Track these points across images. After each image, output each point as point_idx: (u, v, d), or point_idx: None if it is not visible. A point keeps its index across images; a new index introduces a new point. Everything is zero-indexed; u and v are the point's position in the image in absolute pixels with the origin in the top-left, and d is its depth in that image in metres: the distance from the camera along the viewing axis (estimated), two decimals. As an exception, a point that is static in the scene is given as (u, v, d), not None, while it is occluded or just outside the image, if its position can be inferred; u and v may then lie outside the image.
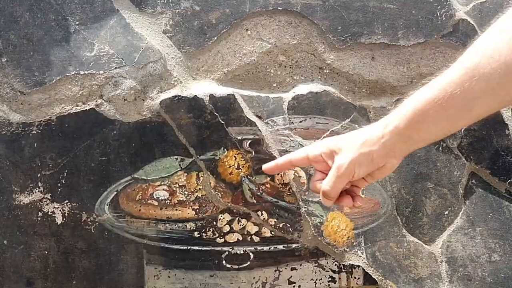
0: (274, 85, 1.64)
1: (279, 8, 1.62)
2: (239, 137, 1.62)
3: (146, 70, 1.59)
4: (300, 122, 1.63)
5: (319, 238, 1.64)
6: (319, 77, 1.65)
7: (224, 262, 1.64)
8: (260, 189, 1.62)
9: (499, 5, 1.67)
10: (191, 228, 1.62)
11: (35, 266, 1.61)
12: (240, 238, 1.64)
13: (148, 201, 1.61)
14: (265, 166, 1.16)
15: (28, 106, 1.58)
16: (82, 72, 1.58)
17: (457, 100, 0.97)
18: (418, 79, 1.65)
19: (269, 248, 1.64)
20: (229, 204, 1.63)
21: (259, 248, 1.64)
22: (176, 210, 1.62)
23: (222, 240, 1.63)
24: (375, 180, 1.13)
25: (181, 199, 1.62)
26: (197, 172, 1.62)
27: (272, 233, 1.64)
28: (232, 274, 1.64)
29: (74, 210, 1.60)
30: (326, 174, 1.10)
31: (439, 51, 1.66)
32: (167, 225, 1.62)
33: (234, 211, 1.63)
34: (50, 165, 1.59)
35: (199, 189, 1.62)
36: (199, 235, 1.63)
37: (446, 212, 1.67)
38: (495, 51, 0.94)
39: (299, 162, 1.12)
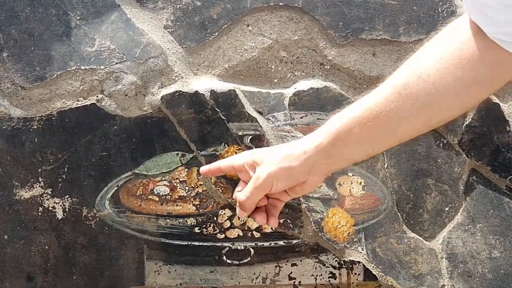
0: (275, 81, 1.64)
1: (280, 3, 1.62)
2: (240, 133, 1.62)
3: (147, 65, 1.59)
4: (301, 118, 1.63)
5: (320, 234, 1.64)
6: (320, 73, 1.65)
7: (224, 257, 1.64)
8: (261, 184, 1.62)
9: (501, 2, 1.66)
10: (192, 224, 1.62)
11: (36, 261, 1.61)
12: (241, 234, 1.64)
13: (149, 197, 1.61)
14: (201, 169, 1.14)
15: (29, 101, 1.58)
16: (83, 67, 1.58)
17: (382, 120, 0.96)
18: (419, 76, 1.65)
19: (270, 244, 1.64)
20: (229, 200, 1.63)
21: (259, 243, 1.64)
22: (177, 205, 1.62)
23: (223, 235, 1.63)
24: (296, 196, 1.10)
25: (182, 194, 1.62)
26: (198, 168, 1.62)
27: (273, 228, 1.64)
28: (232, 269, 1.64)
29: (75, 205, 1.60)
30: None
31: (440, 48, 1.65)
32: (168, 220, 1.62)
33: (235, 206, 1.63)
34: (51, 160, 1.59)
35: (200, 184, 1.62)
36: (199, 231, 1.63)
37: (447, 209, 1.67)
38: (423, 71, 0.93)
39: (226, 169, 1.10)
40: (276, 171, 1.02)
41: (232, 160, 1.09)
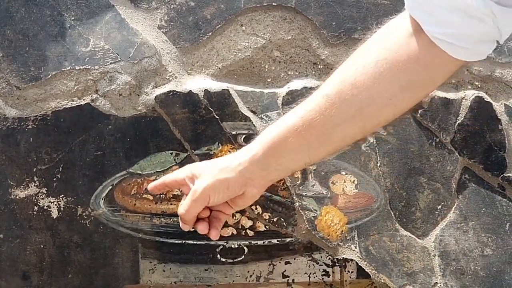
0: (269, 80, 1.65)
1: (273, 3, 1.62)
2: (234, 132, 1.62)
3: (141, 65, 1.60)
4: (294, 117, 1.64)
5: (313, 232, 1.65)
6: (313, 72, 1.66)
7: (218, 256, 1.65)
8: (255, 183, 1.63)
9: (492, 1, 1.67)
10: (186, 222, 1.63)
11: (31, 260, 1.62)
12: (235, 232, 1.65)
13: (143, 196, 1.62)
14: (149, 186, 1.14)
15: (24, 101, 1.59)
16: (77, 67, 1.59)
17: (317, 128, 0.96)
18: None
19: (263, 242, 1.65)
20: (223, 199, 1.63)
21: (253, 242, 1.65)
22: (171, 204, 1.63)
23: (217, 234, 1.64)
24: (239, 208, 1.09)
25: (176, 193, 1.63)
26: (192, 167, 1.62)
27: (266, 227, 1.65)
28: (226, 268, 1.65)
29: (70, 204, 1.61)
30: None
31: (432, 47, 1.66)
32: (162, 219, 1.63)
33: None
34: (46, 160, 1.60)
35: (194, 183, 1.63)
36: (193, 229, 1.63)
37: (439, 207, 1.68)
38: (358, 77, 0.93)
39: (170, 184, 1.10)
40: (213, 184, 1.02)
41: (175, 175, 1.09)
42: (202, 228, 1.07)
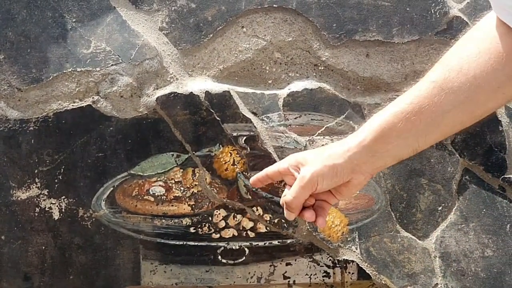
0: (270, 82, 1.65)
1: (274, 5, 1.63)
2: (235, 134, 1.63)
3: (143, 67, 1.61)
4: (295, 118, 1.64)
5: (314, 234, 1.65)
6: (314, 74, 1.66)
7: (219, 257, 1.65)
8: (255, 185, 1.64)
9: (493, 3, 1.68)
10: (187, 224, 1.64)
11: (33, 261, 1.62)
12: (236, 234, 1.65)
13: (144, 197, 1.63)
14: (251, 180, 1.14)
15: (25, 103, 1.60)
16: (78, 69, 1.59)
17: (426, 114, 0.97)
18: (412, 76, 1.67)
19: (264, 244, 1.66)
20: (224, 200, 1.64)
21: (254, 243, 1.65)
22: (172, 205, 1.63)
23: (218, 235, 1.65)
24: (342, 198, 1.09)
25: (177, 195, 1.63)
26: (192, 168, 1.63)
27: (267, 228, 1.65)
28: (227, 269, 1.65)
29: (71, 206, 1.61)
30: None
31: (433, 48, 1.67)
32: (163, 220, 1.63)
33: (230, 206, 1.65)
34: (47, 161, 1.60)
35: (195, 185, 1.63)
36: (194, 231, 1.64)
37: (440, 208, 1.68)
38: (463, 65, 0.94)
39: (273, 175, 1.10)
40: (321, 169, 1.02)
41: (278, 165, 1.09)
42: (309, 216, 1.06)
